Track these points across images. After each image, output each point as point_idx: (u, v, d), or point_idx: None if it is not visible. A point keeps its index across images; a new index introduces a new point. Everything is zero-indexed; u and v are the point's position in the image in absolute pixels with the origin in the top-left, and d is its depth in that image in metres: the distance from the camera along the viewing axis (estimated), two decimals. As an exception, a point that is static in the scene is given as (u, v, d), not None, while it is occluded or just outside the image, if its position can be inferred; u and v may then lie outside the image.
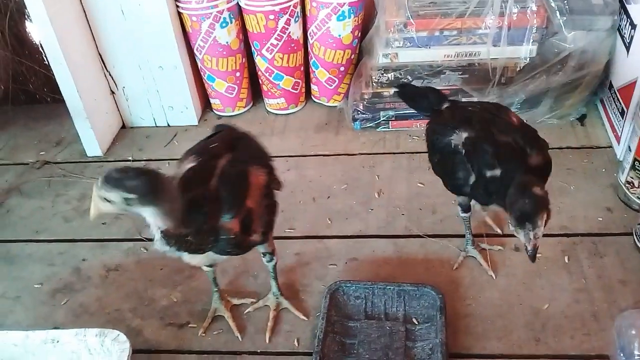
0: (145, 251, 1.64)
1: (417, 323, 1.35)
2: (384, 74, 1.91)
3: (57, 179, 1.97)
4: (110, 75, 2.06)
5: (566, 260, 1.48)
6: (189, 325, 1.43)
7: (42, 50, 2.18)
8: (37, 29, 1.84)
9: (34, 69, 2.29)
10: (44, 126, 2.26)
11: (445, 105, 1.44)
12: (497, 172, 1.23)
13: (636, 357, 1.12)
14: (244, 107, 2.19)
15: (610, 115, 1.87)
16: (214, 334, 1.40)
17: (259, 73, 2.10)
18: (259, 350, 1.35)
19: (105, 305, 1.50)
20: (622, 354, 1.14)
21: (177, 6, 1.93)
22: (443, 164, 1.38)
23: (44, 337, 1.28)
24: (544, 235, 1.14)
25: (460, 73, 1.89)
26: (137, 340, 1.38)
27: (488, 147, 1.25)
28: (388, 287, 1.41)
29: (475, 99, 1.87)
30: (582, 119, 1.96)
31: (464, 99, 1.87)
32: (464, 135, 1.29)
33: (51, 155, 2.10)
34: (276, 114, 2.18)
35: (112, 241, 1.70)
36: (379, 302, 1.40)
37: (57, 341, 1.28)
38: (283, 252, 1.58)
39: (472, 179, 1.28)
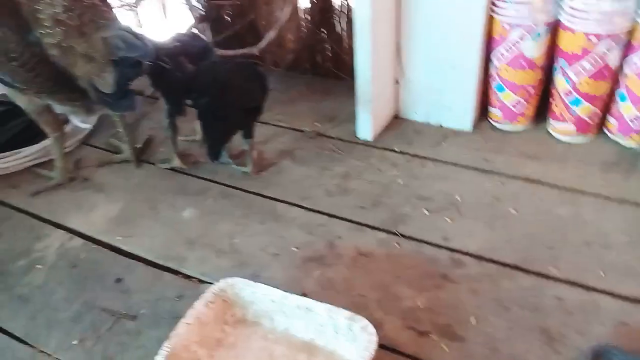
0: (398, 246, 1.63)
1: None
2: None
3: (327, 153, 2.05)
4: (400, 64, 2.07)
5: None
6: (429, 335, 1.38)
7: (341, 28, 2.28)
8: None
9: (325, 42, 2.40)
10: (322, 99, 2.38)
11: None
12: None
13: None
14: (524, 124, 2.06)
15: None
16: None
17: (553, 92, 1.95)
18: None
19: (351, 287, 1.52)
20: None
21: (492, 10, 1.86)
22: None
23: (300, 302, 1.34)
24: None
25: None
26: (378, 334, 1.37)
27: None
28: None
29: None
30: None
31: None
32: None
33: (325, 128, 2.19)
34: (558, 139, 2.01)
35: (368, 227, 1.72)
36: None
37: (310, 310, 1.32)
38: (542, 292, 1.46)
39: None
